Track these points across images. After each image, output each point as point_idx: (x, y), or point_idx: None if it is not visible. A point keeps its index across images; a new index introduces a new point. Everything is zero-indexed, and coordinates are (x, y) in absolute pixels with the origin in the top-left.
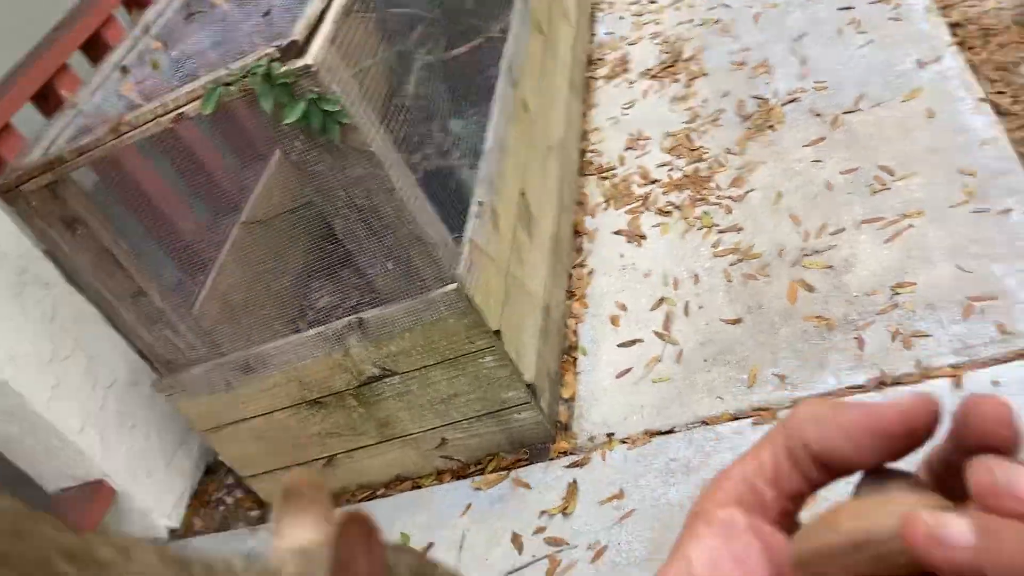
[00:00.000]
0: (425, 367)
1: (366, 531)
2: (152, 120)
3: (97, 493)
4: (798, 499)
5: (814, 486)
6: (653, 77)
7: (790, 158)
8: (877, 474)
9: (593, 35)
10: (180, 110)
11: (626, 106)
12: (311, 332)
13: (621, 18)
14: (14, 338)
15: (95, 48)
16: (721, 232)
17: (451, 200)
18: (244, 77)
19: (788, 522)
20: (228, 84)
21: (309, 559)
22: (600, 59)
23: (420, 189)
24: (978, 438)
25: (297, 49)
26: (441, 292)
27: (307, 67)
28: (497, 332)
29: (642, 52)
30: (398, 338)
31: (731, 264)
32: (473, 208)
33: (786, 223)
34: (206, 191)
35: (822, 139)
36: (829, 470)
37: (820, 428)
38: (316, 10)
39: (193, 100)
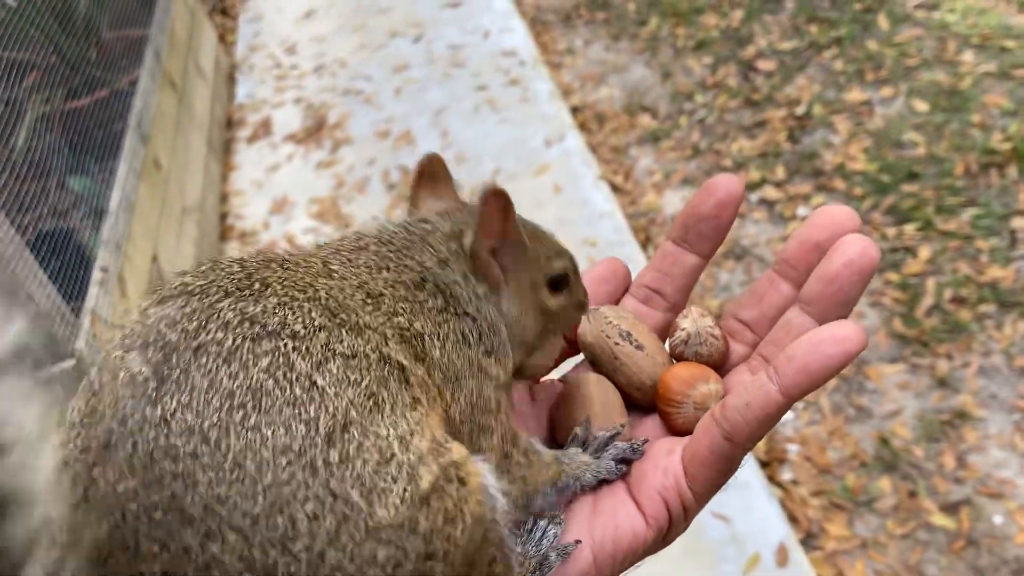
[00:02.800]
0: None
1: (504, 201)
2: None
3: None
4: None
5: None
6: (298, 142)
7: None
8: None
9: (233, 96)
10: None
11: (270, 169)
12: None
13: (263, 81)
14: None
15: None
16: None
17: (71, 266)
18: None
19: None
20: None
21: (452, 217)
22: (241, 120)
23: (31, 254)
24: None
25: None
26: (58, 369)
27: None
28: None
29: (285, 116)
30: None
31: None
32: (96, 275)
33: None
34: None
35: None
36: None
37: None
38: None
39: None
